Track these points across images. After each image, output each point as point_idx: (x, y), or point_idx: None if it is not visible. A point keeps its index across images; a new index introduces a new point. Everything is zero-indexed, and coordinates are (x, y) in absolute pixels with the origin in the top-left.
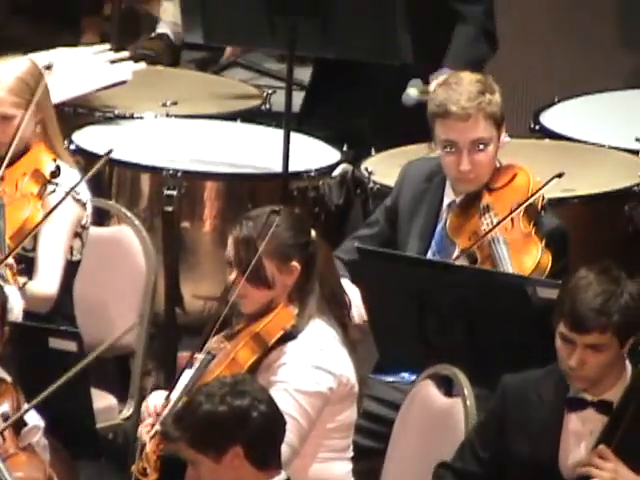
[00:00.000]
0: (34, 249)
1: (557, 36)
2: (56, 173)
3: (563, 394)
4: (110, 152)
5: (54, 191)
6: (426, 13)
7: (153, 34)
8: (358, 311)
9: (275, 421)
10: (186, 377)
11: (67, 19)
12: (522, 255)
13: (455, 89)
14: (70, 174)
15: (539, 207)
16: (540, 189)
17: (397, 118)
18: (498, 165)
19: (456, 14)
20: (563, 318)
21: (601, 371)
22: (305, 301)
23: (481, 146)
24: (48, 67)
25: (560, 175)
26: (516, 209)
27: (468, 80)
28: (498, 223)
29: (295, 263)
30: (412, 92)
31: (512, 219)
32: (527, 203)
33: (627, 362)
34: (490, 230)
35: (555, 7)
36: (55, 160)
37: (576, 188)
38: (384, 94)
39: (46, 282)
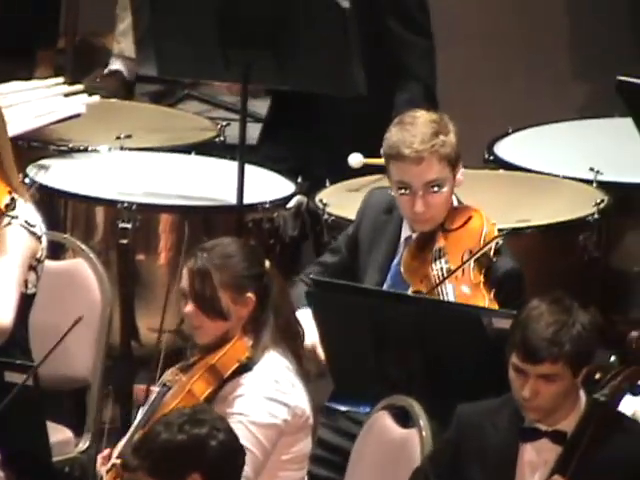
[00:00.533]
0: None
1: (510, 66)
2: (11, 206)
3: (518, 424)
4: (34, 184)
5: (9, 223)
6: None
7: (106, 70)
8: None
9: (234, 450)
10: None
11: (21, 52)
12: None
13: (409, 130)
14: (25, 208)
15: (491, 253)
16: (481, 249)
17: (351, 149)
18: (456, 204)
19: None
20: (515, 349)
21: (555, 401)
22: (260, 333)
23: (435, 188)
24: None
25: (501, 236)
26: (465, 261)
27: (423, 120)
28: (449, 275)
29: (250, 294)
30: (354, 161)
31: (463, 268)
32: (474, 258)
33: (581, 392)
34: (440, 283)
35: (508, 38)
36: (10, 193)
37: (531, 218)
38: (339, 127)
39: (1, 313)
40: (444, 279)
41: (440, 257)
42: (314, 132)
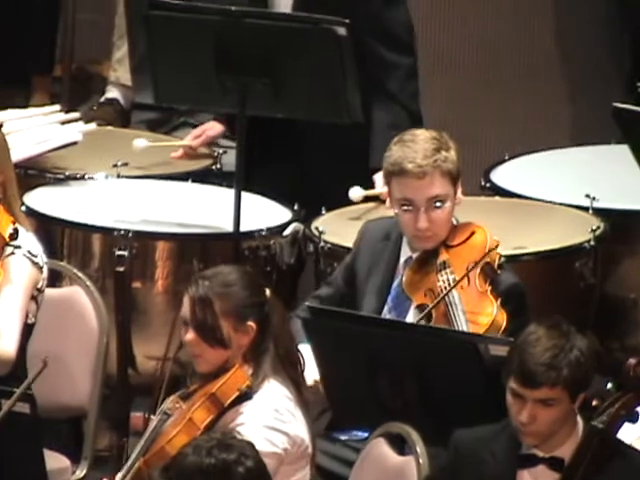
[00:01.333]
0: None
1: (506, 93)
2: (14, 235)
3: (515, 450)
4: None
5: (13, 253)
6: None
7: (102, 99)
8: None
9: (261, 478)
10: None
11: (17, 79)
12: (477, 314)
13: (410, 147)
14: (27, 237)
15: (496, 265)
16: (486, 255)
17: (345, 176)
18: (455, 223)
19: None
20: (513, 373)
21: (552, 426)
22: (260, 361)
23: (438, 203)
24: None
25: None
26: (473, 268)
27: (423, 137)
28: (455, 284)
29: (251, 323)
30: (355, 195)
31: (468, 277)
32: (483, 261)
33: (579, 418)
34: (447, 293)
35: (503, 64)
36: (14, 223)
37: (527, 245)
38: (323, 152)
39: (5, 343)
40: (449, 290)
41: (445, 268)
42: (299, 159)
